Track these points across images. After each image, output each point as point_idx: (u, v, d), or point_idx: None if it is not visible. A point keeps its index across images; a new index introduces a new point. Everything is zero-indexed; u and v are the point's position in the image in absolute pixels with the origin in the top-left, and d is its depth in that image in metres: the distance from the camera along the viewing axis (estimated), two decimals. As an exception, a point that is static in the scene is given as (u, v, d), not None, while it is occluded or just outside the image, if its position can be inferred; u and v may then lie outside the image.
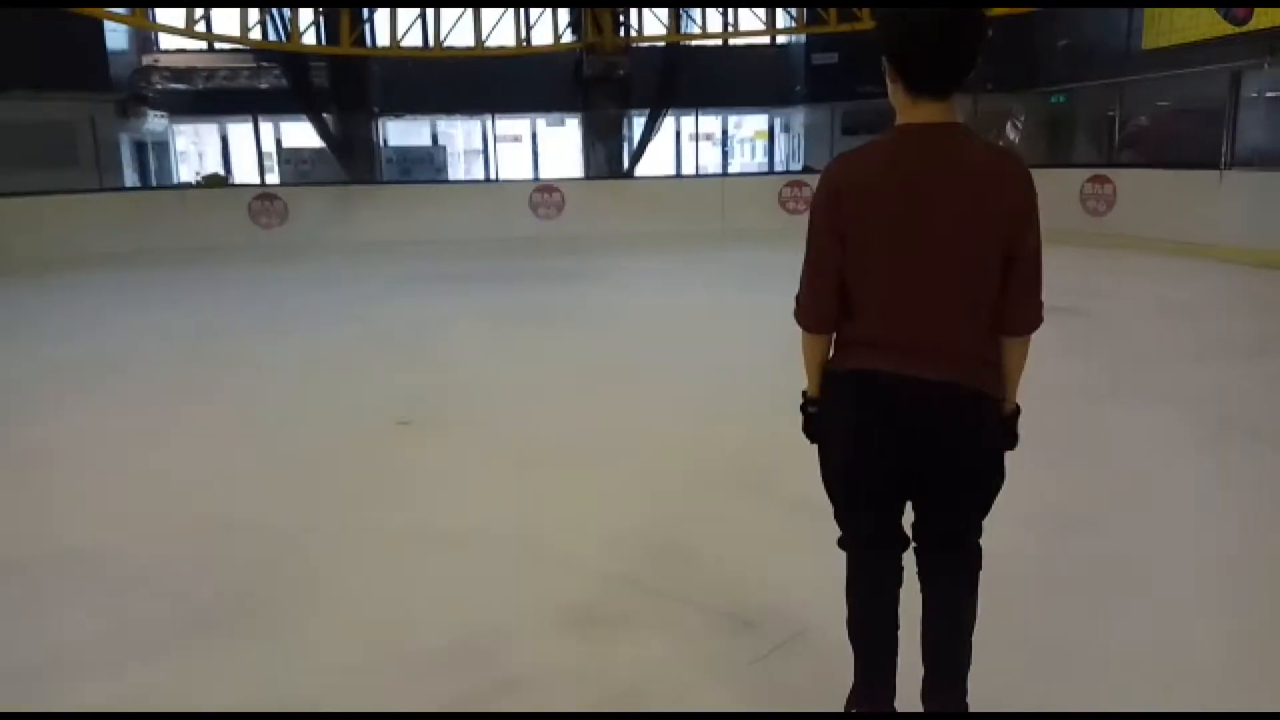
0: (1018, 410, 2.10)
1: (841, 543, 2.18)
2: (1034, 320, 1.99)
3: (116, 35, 17.19)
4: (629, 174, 18.12)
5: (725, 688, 2.60)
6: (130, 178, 17.64)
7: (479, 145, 22.75)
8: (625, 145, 18.54)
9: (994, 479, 2.03)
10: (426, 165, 18.82)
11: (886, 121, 1.99)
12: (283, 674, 2.75)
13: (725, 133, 23.64)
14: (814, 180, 2.13)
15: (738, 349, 7.00)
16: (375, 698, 2.59)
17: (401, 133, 21.26)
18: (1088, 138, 18.33)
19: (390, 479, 4.42)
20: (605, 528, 3.75)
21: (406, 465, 4.63)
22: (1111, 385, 5.74)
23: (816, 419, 2.13)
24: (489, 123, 19.50)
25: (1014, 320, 1.97)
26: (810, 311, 2.06)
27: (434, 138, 21.69)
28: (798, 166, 21.05)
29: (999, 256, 1.90)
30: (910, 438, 1.96)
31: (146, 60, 18.41)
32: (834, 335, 2.07)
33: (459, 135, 23.62)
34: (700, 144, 22.45)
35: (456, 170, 21.55)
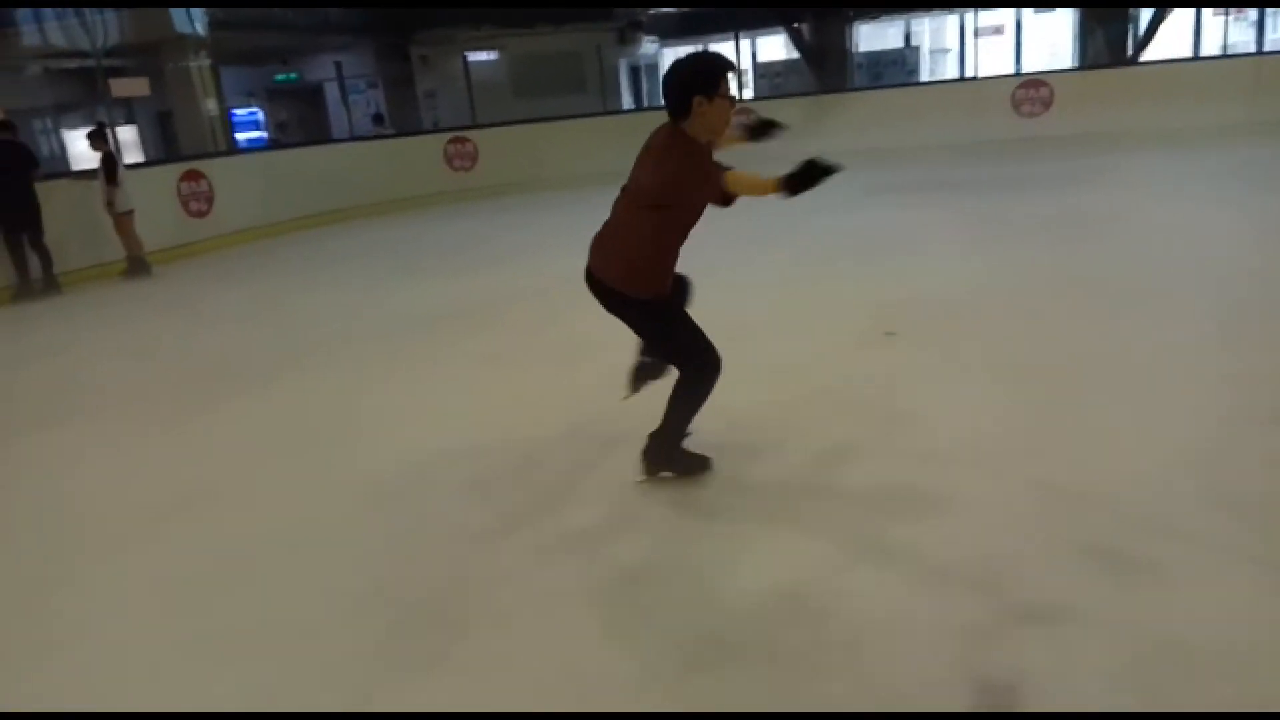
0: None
1: (711, 365, 3.35)
2: None
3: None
4: (1133, 60, 15.86)
5: (1302, 661, 2.22)
6: (627, 100, 19.39)
7: (945, 44, 21.42)
8: (1130, 28, 16.20)
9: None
10: (898, 68, 18.18)
11: None
12: (788, 571, 2.88)
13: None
14: None
15: (1262, 270, 5.86)
16: (886, 605, 2.61)
17: (868, 38, 20.72)
18: None
19: (885, 388, 4.40)
20: (1124, 462, 3.38)
21: (899, 376, 4.57)
22: None
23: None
24: (966, 17, 18.20)
25: None
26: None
27: (906, 38, 20.81)
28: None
29: None
30: None
31: (639, -15, 19.90)
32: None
33: (926, 34, 22.42)
34: (1230, 18, 18.85)
35: (923, 72, 20.55)
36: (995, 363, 4.61)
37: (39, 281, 9.02)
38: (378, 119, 17.35)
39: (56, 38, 15.42)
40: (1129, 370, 4.34)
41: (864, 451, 3.69)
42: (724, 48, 20.52)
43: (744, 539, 3.07)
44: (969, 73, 16.86)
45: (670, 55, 23.14)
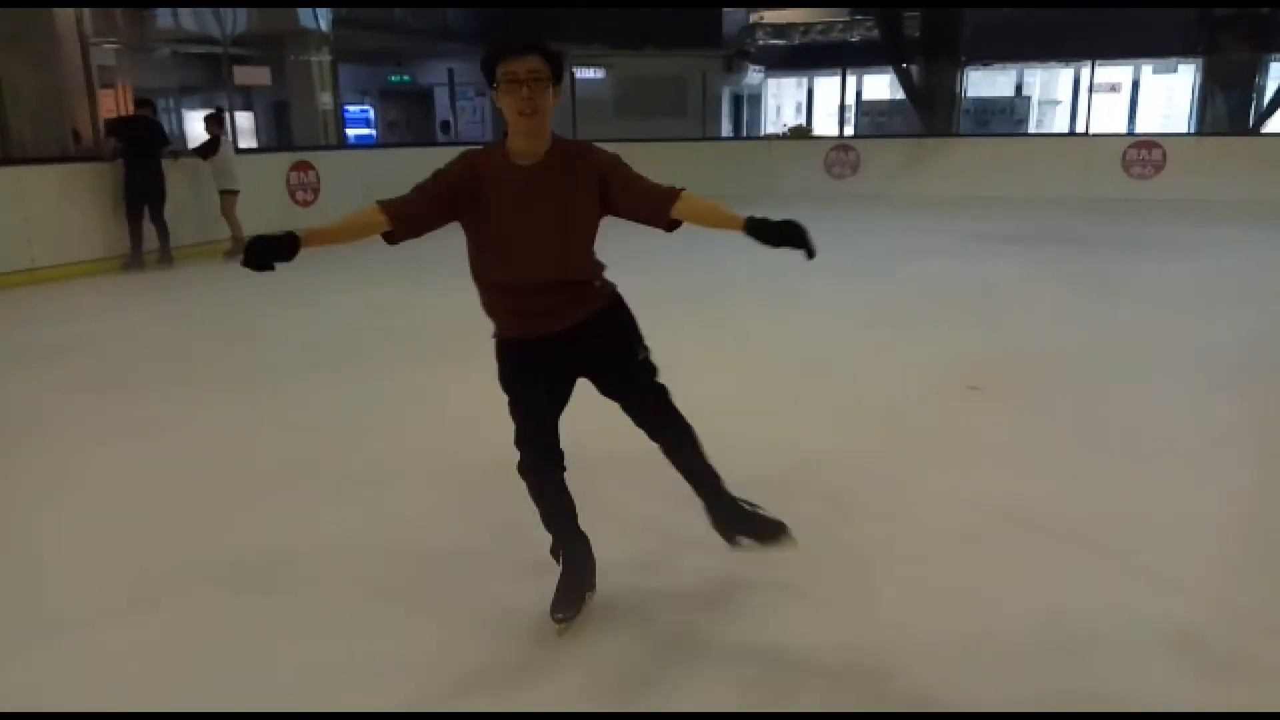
0: None
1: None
2: None
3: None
4: (1254, 131, 15.31)
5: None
6: (726, 128, 19.45)
7: (1056, 96, 20.95)
8: (1255, 97, 15.65)
9: None
10: (1006, 117, 17.87)
11: None
12: (854, 627, 2.81)
13: None
14: None
15: None
16: (950, 666, 2.54)
17: (977, 84, 20.46)
18: None
19: (964, 444, 4.30)
20: (1220, 549, 3.24)
21: (976, 432, 4.47)
22: None
23: None
24: (1084, 70, 17.83)
25: None
26: None
27: (1018, 88, 20.43)
28: None
29: None
30: None
31: (754, 18, 19.95)
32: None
33: (1036, 84, 22.00)
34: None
35: (1030, 123, 20.19)
36: (1083, 430, 4.46)
37: (153, 253, 9.44)
38: (445, 127, 17.50)
39: (188, 22, 16.18)
40: (1227, 451, 4.16)
41: (936, 507, 3.60)
42: (830, 83, 20.48)
43: (807, 586, 3.01)
44: (1079, 128, 16.49)
45: (774, 86, 23.18)
